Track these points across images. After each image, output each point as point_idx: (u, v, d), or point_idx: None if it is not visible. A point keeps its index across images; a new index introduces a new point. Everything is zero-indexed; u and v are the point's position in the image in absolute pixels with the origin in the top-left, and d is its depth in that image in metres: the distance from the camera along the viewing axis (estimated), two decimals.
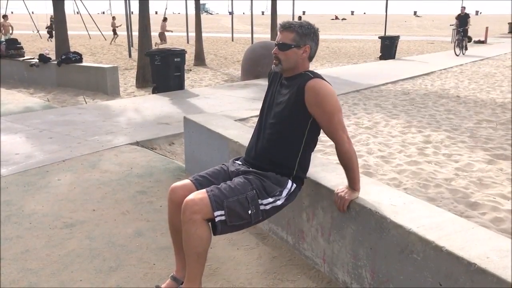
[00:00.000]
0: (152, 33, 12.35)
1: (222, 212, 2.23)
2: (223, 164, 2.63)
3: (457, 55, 17.56)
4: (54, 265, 2.82)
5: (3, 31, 19.49)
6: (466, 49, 18.68)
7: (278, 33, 2.48)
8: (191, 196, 2.27)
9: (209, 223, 2.26)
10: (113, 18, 27.00)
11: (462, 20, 18.70)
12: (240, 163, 2.58)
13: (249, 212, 2.28)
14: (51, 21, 29.97)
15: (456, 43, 18.32)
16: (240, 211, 2.27)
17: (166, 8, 30.01)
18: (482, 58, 17.31)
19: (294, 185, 2.46)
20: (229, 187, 2.32)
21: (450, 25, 21.37)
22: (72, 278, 2.68)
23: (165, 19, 22.04)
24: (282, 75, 2.54)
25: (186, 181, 2.49)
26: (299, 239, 2.87)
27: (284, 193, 2.40)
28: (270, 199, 2.35)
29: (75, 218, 3.49)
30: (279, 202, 2.39)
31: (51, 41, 28.59)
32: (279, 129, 2.44)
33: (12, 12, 37.20)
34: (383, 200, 2.38)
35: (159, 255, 2.96)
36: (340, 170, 2.85)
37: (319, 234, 2.67)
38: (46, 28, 29.80)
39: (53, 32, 29.33)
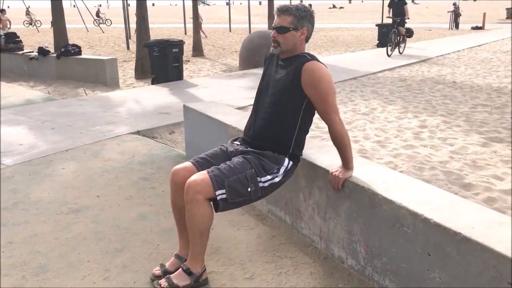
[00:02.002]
0: (150, 25, 12.38)
1: (224, 191, 2.34)
2: (222, 145, 2.74)
3: (388, 56, 13.21)
4: (62, 248, 2.94)
5: (1, 26, 19.47)
6: (403, 47, 14.00)
7: (276, 16, 2.55)
8: (193, 177, 2.37)
9: (211, 202, 2.37)
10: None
11: (396, 8, 13.60)
12: (239, 143, 2.68)
13: (249, 189, 2.40)
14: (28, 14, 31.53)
15: (389, 39, 13.47)
16: (240, 189, 2.38)
17: None
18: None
19: (291, 162, 2.57)
20: (229, 167, 2.42)
21: (387, 16, 14.35)
22: (80, 259, 2.80)
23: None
24: (279, 57, 2.63)
25: (187, 163, 2.60)
26: (296, 218, 2.99)
27: (282, 170, 2.51)
28: (269, 177, 2.46)
29: (80, 204, 3.61)
30: (277, 179, 2.50)
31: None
32: (276, 108, 2.54)
33: (8, 7, 37.08)
34: (376, 178, 2.48)
35: (162, 236, 3.08)
36: (334, 151, 2.95)
37: (316, 212, 2.79)
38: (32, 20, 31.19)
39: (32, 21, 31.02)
